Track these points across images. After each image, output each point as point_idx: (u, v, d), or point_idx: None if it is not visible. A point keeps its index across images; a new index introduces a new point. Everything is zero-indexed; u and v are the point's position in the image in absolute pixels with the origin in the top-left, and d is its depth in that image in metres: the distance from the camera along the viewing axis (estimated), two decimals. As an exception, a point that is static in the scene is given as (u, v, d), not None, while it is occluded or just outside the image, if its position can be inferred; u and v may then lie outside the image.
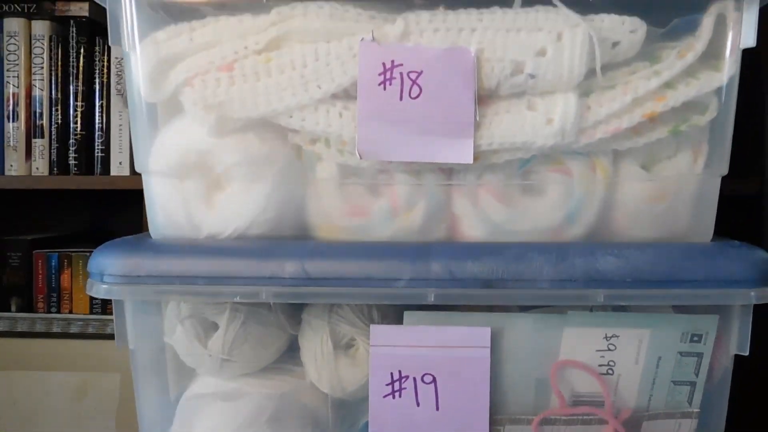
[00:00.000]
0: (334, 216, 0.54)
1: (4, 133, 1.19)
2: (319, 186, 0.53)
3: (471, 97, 0.50)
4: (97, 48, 1.20)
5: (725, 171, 0.54)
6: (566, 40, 0.50)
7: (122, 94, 1.18)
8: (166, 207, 0.53)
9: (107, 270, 0.48)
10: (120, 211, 1.31)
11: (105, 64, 1.19)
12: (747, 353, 0.52)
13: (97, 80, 1.19)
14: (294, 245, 0.50)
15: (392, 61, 0.50)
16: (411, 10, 0.51)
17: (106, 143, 1.21)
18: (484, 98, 0.52)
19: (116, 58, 1.20)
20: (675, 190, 0.54)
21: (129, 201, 1.12)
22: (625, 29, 0.51)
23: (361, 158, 0.51)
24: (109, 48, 1.19)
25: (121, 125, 1.18)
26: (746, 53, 0.54)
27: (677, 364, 0.54)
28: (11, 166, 1.19)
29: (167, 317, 0.55)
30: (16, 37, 1.19)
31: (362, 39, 0.50)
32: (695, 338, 0.54)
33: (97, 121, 1.20)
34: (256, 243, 0.51)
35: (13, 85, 1.20)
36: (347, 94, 0.52)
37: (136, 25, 0.51)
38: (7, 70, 1.19)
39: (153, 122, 0.53)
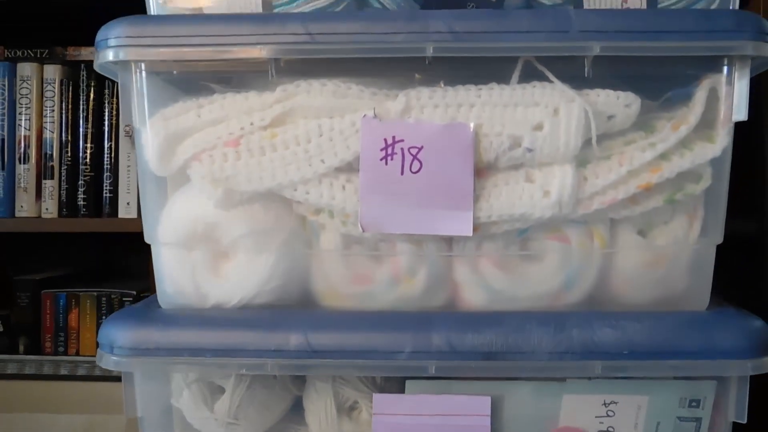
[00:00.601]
0: (338, 284, 0.55)
1: (16, 174, 1.22)
2: (323, 255, 0.55)
3: (470, 171, 0.52)
4: (106, 91, 1.22)
5: (720, 240, 0.55)
6: (562, 115, 0.51)
7: (130, 135, 1.21)
8: (174, 276, 0.54)
9: (117, 342, 0.50)
10: (127, 249, 1.33)
11: (114, 106, 1.22)
12: (744, 421, 0.52)
13: (106, 122, 1.21)
14: (298, 316, 0.51)
15: (393, 137, 0.51)
16: (412, 86, 0.53)
17: (115, 184, 1.23)
18: (483, 170, 0.53)
19: (125, 100, 1.23)
20: (671, 257, 0.55)
21: (136, 239, 1.14)
22: (620, 103, 0.52)
23: (363, 231, 0.52)
24: (118, 91, 1.22)
25: (129, 166, 1.21)
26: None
27: (676, 429, 0.54)
28: (21, 206, 1.21)
29: (174, 380, 0.57)
30: (29, 81, 1.22)
31: (364, 116, 0.51)
32: (693, 403, 0.54)
33: (105, 162, 1.23)
34: (261, 314, 0.52)
35: (25, 128, 1.22)
36: (350, 167, 0.53)
37: (146, 103, 0.53)
38: (19, 114, 1.22)
39: (162, 195, 0.55)
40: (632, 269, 0.56)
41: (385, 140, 0.52)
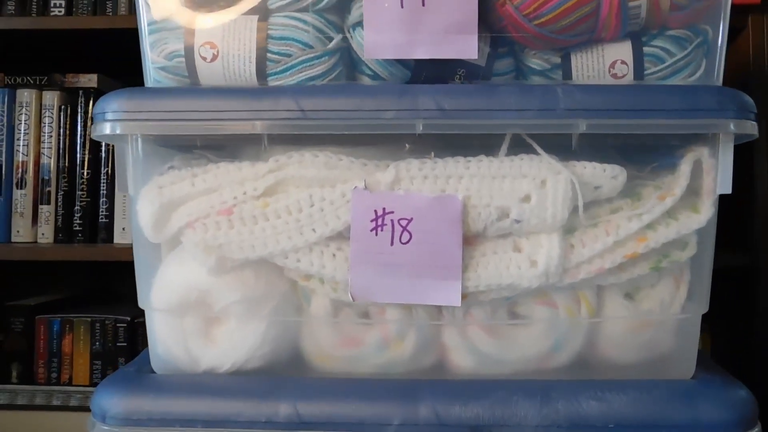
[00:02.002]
0: (328, 347, 0.56)
1: (13, 200, 1.23)
2: (314, 319, 0.55)
3: (458, 242, 0.52)
4: (103, 117, 1.24)
5: (705, 309, 0.56)
6: (550, 187, 0.52)
7: (128, 161, 1.22)
8: (166, 341, 0.55)
9: (109, 411, 0.50)
10: (122, 272, 1.34)
11: (111, 132, 1.23)
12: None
13: (103, 148, 1.23)
14: (288, 385, 0.52)
15: (384, 209, 0.52)
16: (402, 156, 0.54)
17: (111, 209, 1.24)
18: (471, 239, 0.54)
19: (122, 126, 1.24)
20: (658, 322, 0.56)
21: (131, 264, 1.15)
22: (607, 175, 0.53)
23: (353, 300, 0.53)
24: (115, 117, 1.23)
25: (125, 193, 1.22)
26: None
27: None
28: (18, 231, 1.22)
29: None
30: (27, 107, 1.23)
31: (355, 187, 0.52)
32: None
33: (102, 188, 1.23)
34: (252, 382, 0.53)
35: (23, 154, 1.23)
36: (340, 235, 0.54)
37: (140, 172, 0.54)
38: (17, 139, 1.23)
39: (156, 260, 0.56)
40: (619, 333, 0.57)
41: (375, 212, 0.52)
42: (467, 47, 0.55)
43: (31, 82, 1.24)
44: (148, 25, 0.57)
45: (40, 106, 1.23)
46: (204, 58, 0.56)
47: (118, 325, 1.19)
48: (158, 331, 0.55)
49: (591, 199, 0.55)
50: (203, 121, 0.51)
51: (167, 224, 0.54)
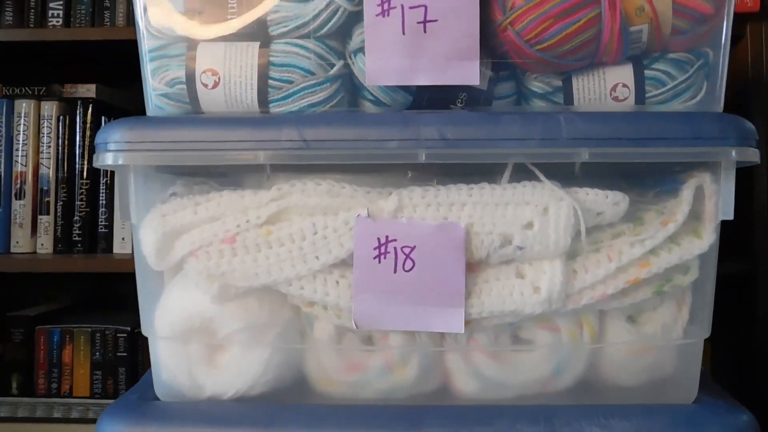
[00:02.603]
0: (332, 372, 0.56)
1: (11, 210, 1.23)
2: (317, 344, 0.56)
3: (461, 269, 0.53)
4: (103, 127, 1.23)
5: (707, 334, 0.56)
6: (552, 214, 0.53)
7: (127, 171, 1.21)
8: (170, 368, 0.55)
9: (114, 441, 0.50)
10: (123, 281, 1.33)
11: (110, 142, 1.23)
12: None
13: (102, 158, 1.23)
14: (292, 411, 0.53)
15: (387, 237, 0.52)
16: (404, 184, 0.54)
17: (110, 219, 1.24)
18: (473, 266, 0.54)
19: (121, 136, 1.24)
20: (660, 345, 0.57)
21: (132, 273, 1.15)
22: (609, 202, 0.53)
23: (357, 328, 0.53)
24: (114, 127, 1.23)
25: (125, 202, 1.22)
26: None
27: None
28: (17, 242, 1.22)
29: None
30: (26, 118, 1.23)
31: (358, 215, 0.52)
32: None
33: (101, 198, 1.23)
34: (256, 408, 0.53)
35: (21, 164, 1.23)
36: (344, 262, 0.54)
37: (143, 200, 0.54)
38: (16, 150, 1.23)
39: (159, 287, 0.56)
40: (622, 357, 0.57)
41: (378, 239, 0.53)
42: (469, 73, 0.55)
43: (30, 92, 1.24)
44: (149, 51, 0.57)
45: (38, 117, 1.23)
46: (205, 85, 0.56)
47: (118, 335, 1.19)
48: (162, 357, 0.55)
49: (593, 224, 0.55)
50: (205, 152, 0.51)
51: (170, 252, 0.54)
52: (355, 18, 0.56)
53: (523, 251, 0.53)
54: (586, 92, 0.59)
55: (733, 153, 0.51)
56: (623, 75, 0.59)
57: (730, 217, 0.53)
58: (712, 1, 0.56)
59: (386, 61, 0.55)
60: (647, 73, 0.58)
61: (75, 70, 1.28)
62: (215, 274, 0.53)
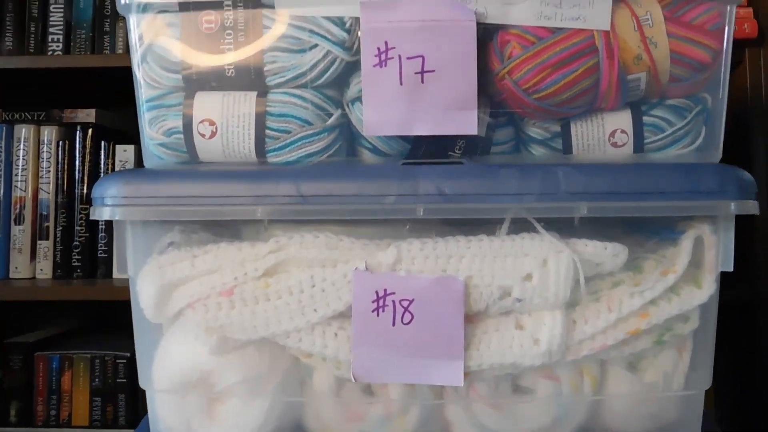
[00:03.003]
0: (332, 422, 0.56)
1: (11, 236, 1.22)
2: (317, 395, 0.55)
3: (460, 322, 0.52)
4: (102, 152, 1.23)
5: (708, 384, 0.56)
6: (551, 266, 0.52)
7: (126, 196, 1.21)
8: (168, 420, 0.55)
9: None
10: (121, 305, 1.33)
11: (110, 167, 1.23)
12: None
13: (101, 183, 1.23)
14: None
15: (385, 290, 0.52)
16: (402, 237, 0.53)
17: (109, 244, 1.24)
18: (472, 317, 0.54)
19: (120, 161, 1.23)
20: (662, 391, 0.56)
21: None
22: (608, 254, 0.53)
23: (355, 380, 0.53)
24: (113, 152, 1.23)
25: (125, 227, 1.21)
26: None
27: None
28: (16, 268, 1.22)
29: None
30: (26, 143, 1.23)
31: (356, 269, 0.52)
32: None
33: (100, 223, 1.23)
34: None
35: (21, 189, 1.23)
36: (342, 314, 0.54)
37: (140, 251, 0.54)
38: (15, 175, 1.23)
39: (158, 337, 0.55)
40: (622, 405, 0.57)
41: (377, 293, 0.52)
42: (467, 123, 0.55)
43: (29, 117, 1.24)
44: (146, 101, 0.57)
45: (38, 141, 1.23)
46: (202, 135, 0.56)
47: (117, 361, 1.19)
48: (159, 409, 0.55)
49: (592, 273, 0.55)
50: (203, 206, 0.51)
51: (168, 304, 0.54)
52: (352, 67, 0.56)
53: (523, 303, 0.53)
54: (584, 138, 0.59)
55: (733, 206, 0.50)
56: (622, 121, 0.58)
57: (730, 268, 0.53)
58: (710, 50, 0.56)
59: (384, 111, 0.54)
60: (646, 119, 0.58)
61: (75, 95, 1.28)
62: (213, 327, 0.53)
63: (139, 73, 0.56)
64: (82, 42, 1.22)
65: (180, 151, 0.57)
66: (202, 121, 0.56)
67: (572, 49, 0.55)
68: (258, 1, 0.55)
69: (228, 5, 0.55)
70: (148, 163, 0.58)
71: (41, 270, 1.22)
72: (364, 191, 0.50)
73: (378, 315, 0.53)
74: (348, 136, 0.58)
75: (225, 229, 0.55)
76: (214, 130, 0.55)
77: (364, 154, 0.58)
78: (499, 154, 0.59)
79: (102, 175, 1.22)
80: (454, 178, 0.51)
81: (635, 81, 0.57)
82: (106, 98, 1.25)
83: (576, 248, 0.53)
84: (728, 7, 0.57)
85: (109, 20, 1.23)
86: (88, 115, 1.25)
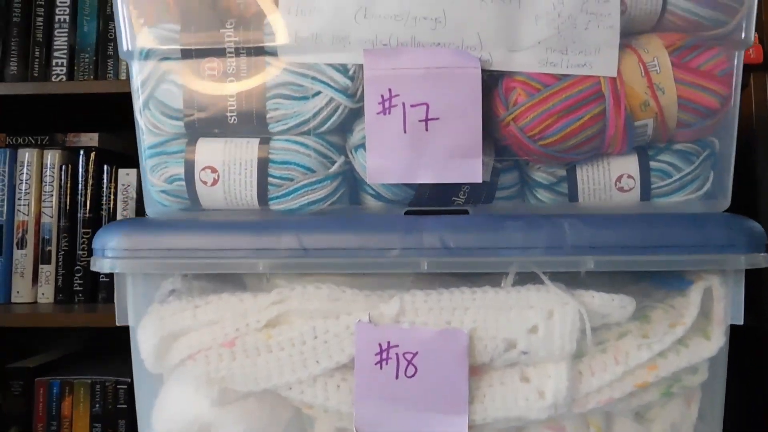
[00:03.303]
0: (334, 473, 0.55)
1: (13, 260, 1.22)
2: (319, 446, 0.55)
3: (464, 375, 0.52)
4: (105, 176, 1.23)
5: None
6: (557, 318, 0.52)
7: (128, 220, 1.21)
8: (170, 471, 0.54)
9: None
10: (122, 329, 1.33)
11: (112, 191, 1.22)
12: None
13: (104, 207, 1.22)
14: None
15: (388, 342, 0.51)
16: (406, 287, 0.53)
17: (113, 268, 1.23)
18: (477, 369, 0.53)
19: (123, 185, 1.23)
20: (669, 445, 0.55)
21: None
22: (615, 305, 0.52)
23: (358, 434, 0.52)
24: (116, 175, 1.22)
25: (127, 251, 1.21)
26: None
27: None
28: (18, 292, 1.21)
29: None
30: (29, 167, 1.22)
31: (359, 321, 0.52)
32: None
33: (103, 247, 1.23)
34: None
35: (24, 213, 1.22)
36: (345, 366, 0.53)
37: (141, 300, 0.53)
38: (18, 199, 1.22)
39: (159, 386, 0.55)
40: (629, 456, 0.56)
41: (380, 345, 0.52)
42: (472, 171, 0.54)
43: (33, 141, 1.24)
44: (148, 148, 0.56)
45: (41, 166, 1.23)
46: (204, 183, 0.55)
47: (118, 387, 1.18)
48: (160, 461, 0.55)
49: (599, 324, 0.54)
50: (205, 259, 0.50)
51: (168, 355, 0.53)
52: (356, 112, 0.56)
53: (528, 355, 0.52)
54: (590, 183, 0.58)
55: (743, 260, 0.50)
56: (628, 166, 0.58)
57: (740, 322, 0.52)
58: (719, 96, 0.55)
59: (388, 159, 0.54)
60: (653, 164, 0.57)
61: (78, 118, 1.28)
62: (215, 378, 0.52)
63: (141, 120, 0.56)
64: (85, 66, 1.22)
65: (182, 198, 0.56)
66: (203, 169, 0.55)
67: (578, 96, 0.54)
68: (260, 48, 0.54)
69: (231, 53, 0.54)
70: (150, 209, 0.57)
71: (43, 294, 1.22)
72: (367, 244, 0.50)
73: (381, 367, 0.52)
74: (351, 181, 0.57)
75: (227, 276, 0.55)
76: (216, 177, 0.55)
77: (367, 200, 0.57)
78: (504, 199, 0.58)
79: (103, 201, 1.22)
80: (459, 230, 0.50)
81: (642, 127, 0.56)
82: (109, 121, 1.25)
83: (583, 300, 0.52)
84: (737, 52, 0.56)
85: (112, 44, 1.23)
86: (91, 139, 1.25)
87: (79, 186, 1.23)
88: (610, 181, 0.58)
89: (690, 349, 0.53)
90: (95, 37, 1.24)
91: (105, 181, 1.24)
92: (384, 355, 0.52)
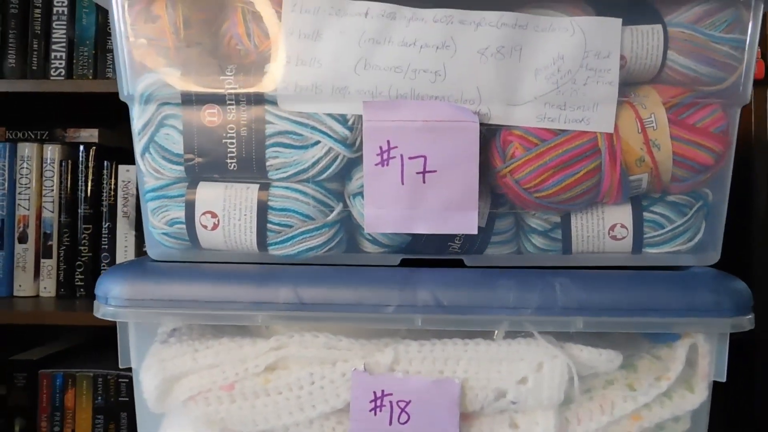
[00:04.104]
0: None
1: (15, 254, 1.23)
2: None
3: (455, 424, 0.53)
4: (105, 171, 1.24)
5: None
6: (546, 370, 0.53)
7: (128, 216, 1.22)
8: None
9: None
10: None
11: (112, 187, 1.23)
12: None
13: (104, 203, 1.23)
14: None
15: (383, 391, 0.53)
16: (400, 336, 0.54)
17: (112, 263, 1.24)
18: (467, 416, 0.55)
19: (123, 181, 1.24)
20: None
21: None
22: (603, 360, 0.54)
23: (352, 477, 0.54)
24: (116, 171, 1.23)
25: (126, 247, 1.22)
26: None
27: None
28: (20, 286, 1.23)
29: None
30: (29, 162, 1.23)
31: (354, 370, 0.53)
32: None
33: (103, 242, 1.24)
34: None
35: (24, 208, 1.23)
36: (340, 410, 0.55)
37: (142, 341, 0.55)
38: (19, 194, 1.23)
39: (161, 420, 0.57)
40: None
41: (375, 393, 0.53)
42: (467, 223, 0.55)
43: (32, 136, 1.24)
44: (149, 191, 0.57)
45: (41, 160, 1.23)
46: (205, 227, 0.56)
47: (120, 380, 1.21)
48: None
49: (586, 374, 0.56)
50: (206, 310, 0.52)
51: (170, 396, 0.55)
52: (355, 160, 0.56)
53: (517, 404, 0.54)
54: (584, 230, 0.59)
55: (730, 324, 0.51)
56: (622, 216, 0.59)
57: (723, 379, 0.54)
58: (713, 153, 0.56)
59: (385, 209, 0.55)
60: (646, 215, 0.58)
61: (77, 115, 1.27)
62: (214, 420, 0.54)
63: (141, 163, 0.57)
64: (85, 60, 1.21)
65: (183, 240, 0.58)
66: (204, 213, 0.56)
67: (575, 151, 0.55)
68: (261, 97, 0.54)
69: (231, 101, 0.54)
70: (151, 250, 0.58)
71: (45, 288, 1.23)
72: (363, 300, 0.51)
73: (375, 414, 0.54)
74: (349, 226, 0.58)
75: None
76: (216, 222, 0.56)
77: (365, 244, 0.58)
78: (499, 244, 0.59)
79: (104, 196, 1.23)
80: (452, 287, 0.52)
81: (637, 181, 0.57)
82: (109, 117, 1.24)
83: (571, 353, 0.53)
84: (733, 109, 0.57)
85: (112, 38, 1.22)
86: (91, 135, 1.25)
87: (80, 182, 1.24)
88: (604, 229, 0.59)
89: (674, 401, 0.55)
90: (94, 30, 1.23)
91: (105, 176, 1.24)
92: (378, 403, 0.53)
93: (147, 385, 0.55)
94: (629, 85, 0.57)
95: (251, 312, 0.51)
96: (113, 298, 0.52)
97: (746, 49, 0.56)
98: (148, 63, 0.55)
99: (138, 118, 0.56)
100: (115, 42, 0.56)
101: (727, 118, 0.56)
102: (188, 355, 0.54)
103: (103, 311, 0.53)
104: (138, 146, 0.57)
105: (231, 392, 0.54)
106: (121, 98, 0.57)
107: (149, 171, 0.57)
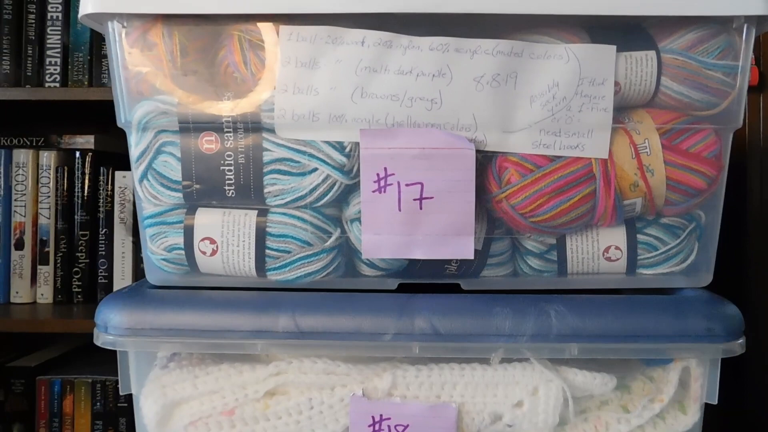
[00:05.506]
0: None
1: (11, 261, 1.23)
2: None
3: (453, 448, 0.54)
4: (101, 177, 1.23)
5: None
6: (541, 394, 0.54)
7: (125, 222, 1.22)
8: None
9: None
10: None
11: (108, 193, 1.23)
12: None
13: (101, 209, 1.23)
14: None
15: (381, 415, 0.54)
16: (398, 361, 0.55)
17: (109, 270, 1.25)
18: (465, 438, 0.56)
19: (119, 187, 1.24)
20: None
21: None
22: (597, 383, 0.55)
23: (351, 499, 0.55)
24: (113, 177, 1.23)
25: (123, 253, 1.23)
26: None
27: None
28: (17, 293, 1.23)
29: None
30: (24, 168, 1.23)
31: (353, 395, 0.54)
32: None
33: (100, 249, 1.24)
34: None
35: (20, 215, 1.23)
36: (339, 433, 0.56)
37: (142, 369, 0.55)
38: (15, 200, 1.23)
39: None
40: None
41: (373, 417, 0.54)
42: (464, 248, 0.55)
43: (28, 143, 1.24)
44: (147, 218, 0.57)
45: (36, 167, 1.23)
46: (203, 253, 0.57)
47: (118, 386, 1.21)
48: None
49: (581, 395, 0.56)
50: (205, 340, 0.52)
51: (170, 422, 0.55)
52: (353, 186, 0.57)
53: (513, 429, 0.55)
54: (579, 252, 0.60)
55: (720, 349, 0.52)
56: (616, 238, 0.59)
57: (715, 402, 0.55)
58: (706, 177, 0.57)
59: (382, 235, 0.55)
60: (640, 237, 0.59)
61: (73, 121, 1.27)
62: (214, 445, 0.55)
63: (140, 190, 0.57)
64: (80, 66, 1.21)
65: (182, 265, 0.58)
66: (202, 240, 0.56)
67: (570, 177, 0.56)
68: (258, 124, 0.55)
69: (228, 129, 0.55)
70: (151, 276, 0.59)
71: (42, 295, 1.24)
72: (361, 328, 0.52)
73: (373, 438, 0.55)
74: (347, 250, 0.59)
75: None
76: (215, 248, 0.56)
77: (362, 268, 0.59)
78: (496, 266, 0.60)
79: (100, 202, 1.23)
80: (449, 315, 0.52)
81: (631, 205, 0.57)
82: (105, 122, 1.24)
83: (566, 376, 0.54)
84: (726, 134, 0.57)
85: (106, 44, 1.21)
86: (87, 141, 1.25)
87: (76, 188, 1.24)
88: (599, 251, 0.60)
89: (667, 423, 0.56)
90: (89, 35, 1.22)
91: (101, 183, 1.24)
92: (377, 427, 0.54)
93: (147, 411, 0.55)
94: (623, 109, 0.58)
95: (251, 340, 0.52)
96: (113, 327, 0.52)
97: (738, 74, 0.56)
98: (144, 90, 0.55)
99: (136, 146, 0.56)
100: (111, 69, 0.56)
101: (720, 143, 0.57)
102: (188, 381, 0.55)
103: (102, 340, 0.53)
104: (136, 173, 0.57)
105: (231, 417, 0.55)
106: (119, 125, 0.57)
107: (148, 197, 0.57)
